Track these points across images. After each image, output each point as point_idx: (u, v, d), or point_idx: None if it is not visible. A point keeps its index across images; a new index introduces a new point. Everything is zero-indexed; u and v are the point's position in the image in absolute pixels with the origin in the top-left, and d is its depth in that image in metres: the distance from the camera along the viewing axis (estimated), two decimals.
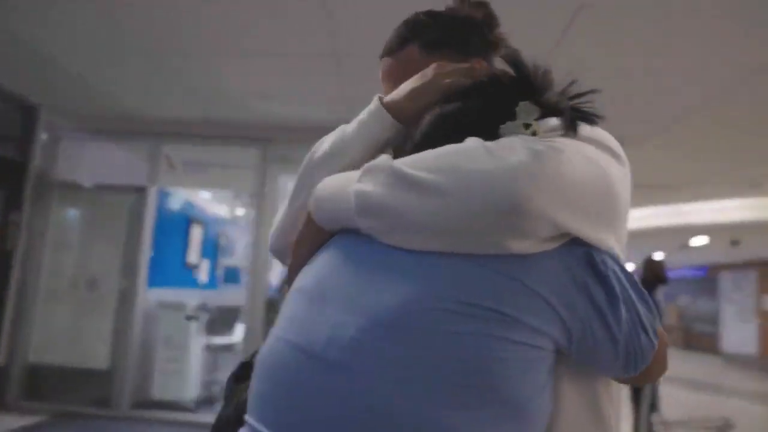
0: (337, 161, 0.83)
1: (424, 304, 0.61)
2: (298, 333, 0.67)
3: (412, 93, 0.84)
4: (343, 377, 0.60)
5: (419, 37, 0.95)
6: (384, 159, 0.71)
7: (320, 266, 0.72)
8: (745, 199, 7.09)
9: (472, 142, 0.67)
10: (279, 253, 0.93)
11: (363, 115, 0.87)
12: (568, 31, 2.92)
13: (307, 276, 0.73)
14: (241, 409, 0.73)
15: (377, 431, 0.57)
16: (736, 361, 11.80)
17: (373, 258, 0.67)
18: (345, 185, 0.72)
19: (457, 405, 0.58)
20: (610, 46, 3.10)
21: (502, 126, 0.70)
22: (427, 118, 0.77)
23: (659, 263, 5.01)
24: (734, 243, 9.47)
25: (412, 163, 0.67)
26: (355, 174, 0.72)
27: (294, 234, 0.82)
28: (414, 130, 0.79)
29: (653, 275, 4.92)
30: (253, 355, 0.82)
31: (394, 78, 0.92)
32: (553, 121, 0.71)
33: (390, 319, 0.61)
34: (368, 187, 0.68)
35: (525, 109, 0.70)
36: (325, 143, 0.86)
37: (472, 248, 0.63)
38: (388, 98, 0.85)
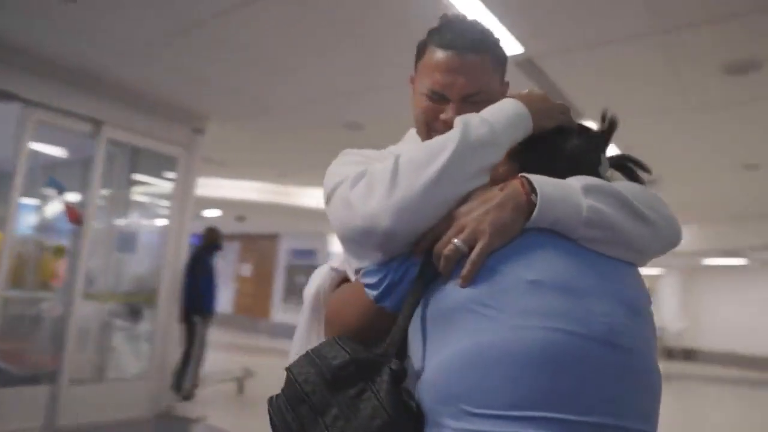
0: (490, 153, 0.85)
1: (644, 297, 0.84)
2: (575, 323, 0.73)
3: (548, 113, 0.92)
4: (626, 355, 0.74)
5: (492, 51, 1.03)
6: (606, 183, 0.85)
7: (547, 262, 0.78)
8: (252, 182, 8.64)
9: (647, 189, 0.91)
10: (401, 235, 0.82)
11: (510, 113, 0.89)
12: None
13: (533, 269, 0.76)
14: (400, 414, 0.72)
15: (650, 387, 0.77)
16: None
17: (596, 261, 0.81)
18: (570, 194, 0.81)
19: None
20: None
21: (599, 167, 0.93)
22: (576, 143, 0.94)
23: (217, 231, 6.01)
24: (240, 218, 11.33)
25: (632, 196, 0.85)
26: (570, 183, 0.83)
27: (432, 219, 0.81)
28: (545, 144, 0.93)
29: (211, 241, 5.91)
30: (356, 352, 0.77)
31: (466, 75, 0.99)
32: None
33: (637, 308, 0.80)
34: (601, 205, 0.81)
35: (604, 159, 0.95)
36: (476, 129, 0.85)
37: (640, 262, 0.88)
38: (528, 107, 0.90)
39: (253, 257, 14.78)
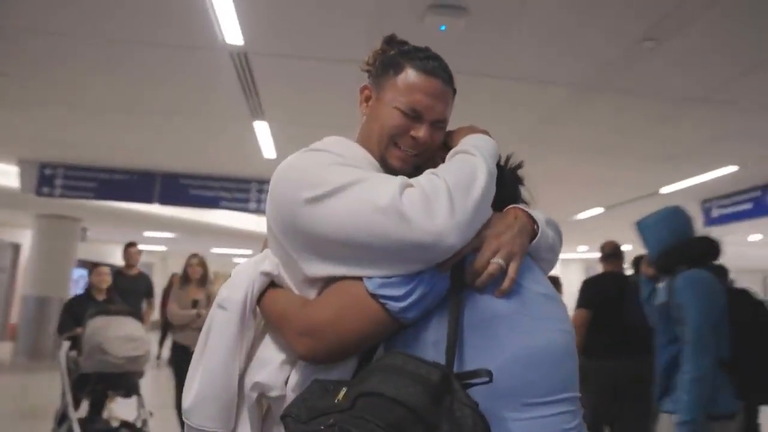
0: (494, 183, 0.96)
1: None
2: (567, 324, 0.97)
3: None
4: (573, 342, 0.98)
5: (453, 86, 1.11)
6: (547, 216, 1.05)
7: (540, 277, 0.99)
8: None
9: None
10: (455, 252, 0.88)
11: (492, 146, 1.01)
12: None
13: (541, 284, 0.97)
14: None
15: None
16: None
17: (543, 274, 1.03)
18: (544, 226, 1.02)
19: None
20: None
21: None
22: (506, 174, 1.09)
23: None
24: None
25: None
26: (538, 216, 1.02)
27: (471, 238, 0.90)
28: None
29: None
30: (447, 372, 0.79)
31: (442, 103, 1.07)
32: None
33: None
34: (554, 234, 1.06)
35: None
36: (488, 161, 0.95)
37: None
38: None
39: None
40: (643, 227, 2.63)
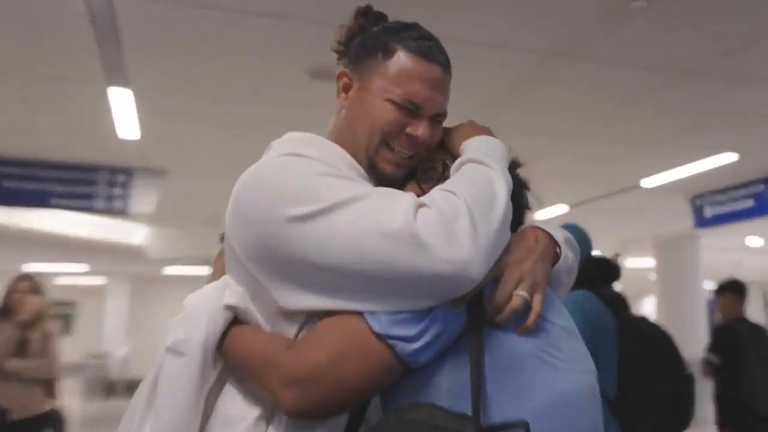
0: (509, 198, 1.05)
1: None
2: (590, 362, 1.10)
3: None
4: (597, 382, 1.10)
5: (450, 72, 1.19)
6: (567, 233, 1.21)
7: (561, 308, 1.11)
8: None
9: None
10: (479, 280, 0.96)
11: (504, 152, 1.12)
12: None
13: (563, 316, 1.10)
14: None
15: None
16: None
17: (562, 304, 1.15)
18: (563, 246, 1.16)
19: None
20: None
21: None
22: (514, 178, 1.18)
23: None
24: None
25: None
26: (557, 234, 1.16)
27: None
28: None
29: None
30: (482, 425, 0.91)
31: (443, 93, 1.17)
32: None
33: None
34: (573, 255, 1.22)
35: None
36: (505, 168, 1.07)
37: None
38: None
39: None
40: None
